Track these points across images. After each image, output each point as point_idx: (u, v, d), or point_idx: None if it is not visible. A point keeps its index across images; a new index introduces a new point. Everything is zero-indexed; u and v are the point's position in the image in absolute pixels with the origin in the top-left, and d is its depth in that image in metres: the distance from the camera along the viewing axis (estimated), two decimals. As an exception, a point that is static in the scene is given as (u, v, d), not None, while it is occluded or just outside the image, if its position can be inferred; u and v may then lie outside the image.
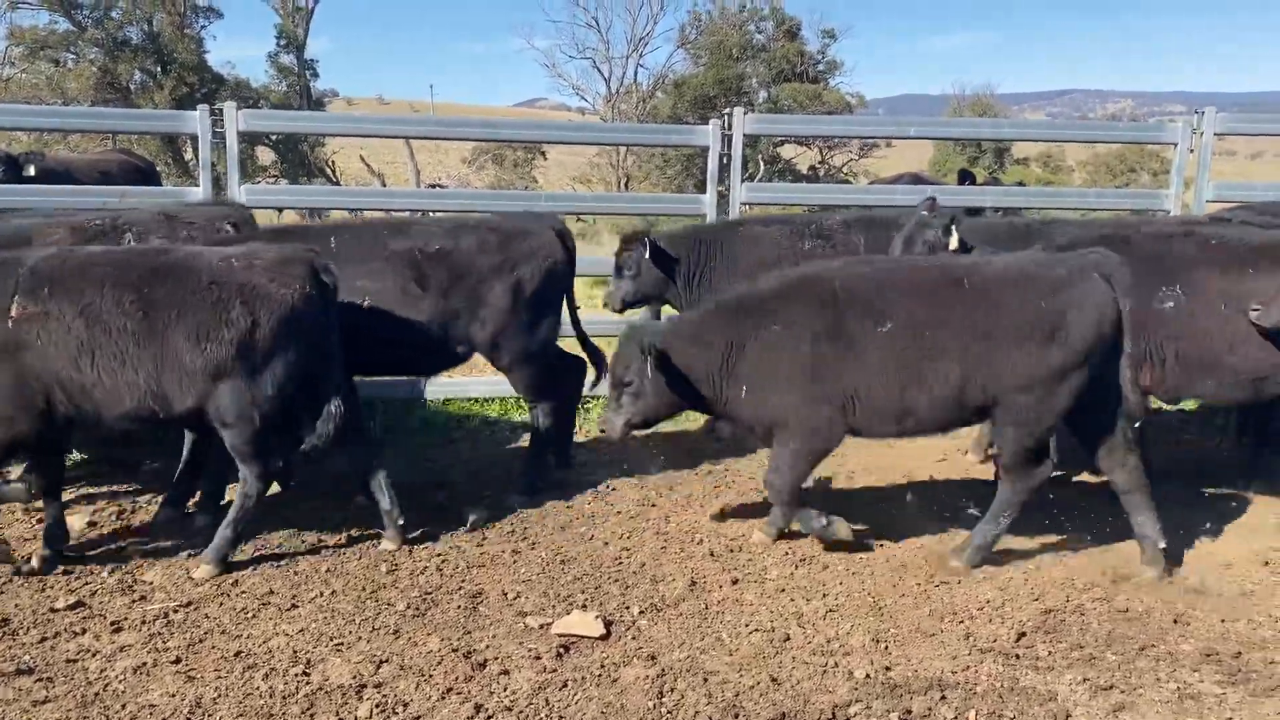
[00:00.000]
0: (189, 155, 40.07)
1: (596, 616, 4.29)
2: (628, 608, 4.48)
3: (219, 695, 3.79)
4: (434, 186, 43.09)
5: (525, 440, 6.57)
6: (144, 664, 4.00)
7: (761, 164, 42.48)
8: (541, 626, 4.29)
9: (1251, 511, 5.68)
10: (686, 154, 40.49)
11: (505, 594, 4.61)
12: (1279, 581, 4.79)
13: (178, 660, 4.03)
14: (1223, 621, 4.39)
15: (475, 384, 7.45)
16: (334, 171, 43.80)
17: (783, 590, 4.66)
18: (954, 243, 6.20)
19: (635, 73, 47.36)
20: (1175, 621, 4.39)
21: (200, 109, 6.91)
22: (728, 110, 7.35)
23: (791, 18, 45.62)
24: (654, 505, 5.72)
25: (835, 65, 46.75)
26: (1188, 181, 7.81)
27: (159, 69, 42.47)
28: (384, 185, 38.80)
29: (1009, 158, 46.45)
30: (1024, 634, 4.26)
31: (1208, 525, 5.45)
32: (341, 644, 4.17)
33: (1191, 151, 7.40)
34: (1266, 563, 4.99)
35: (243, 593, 4.65)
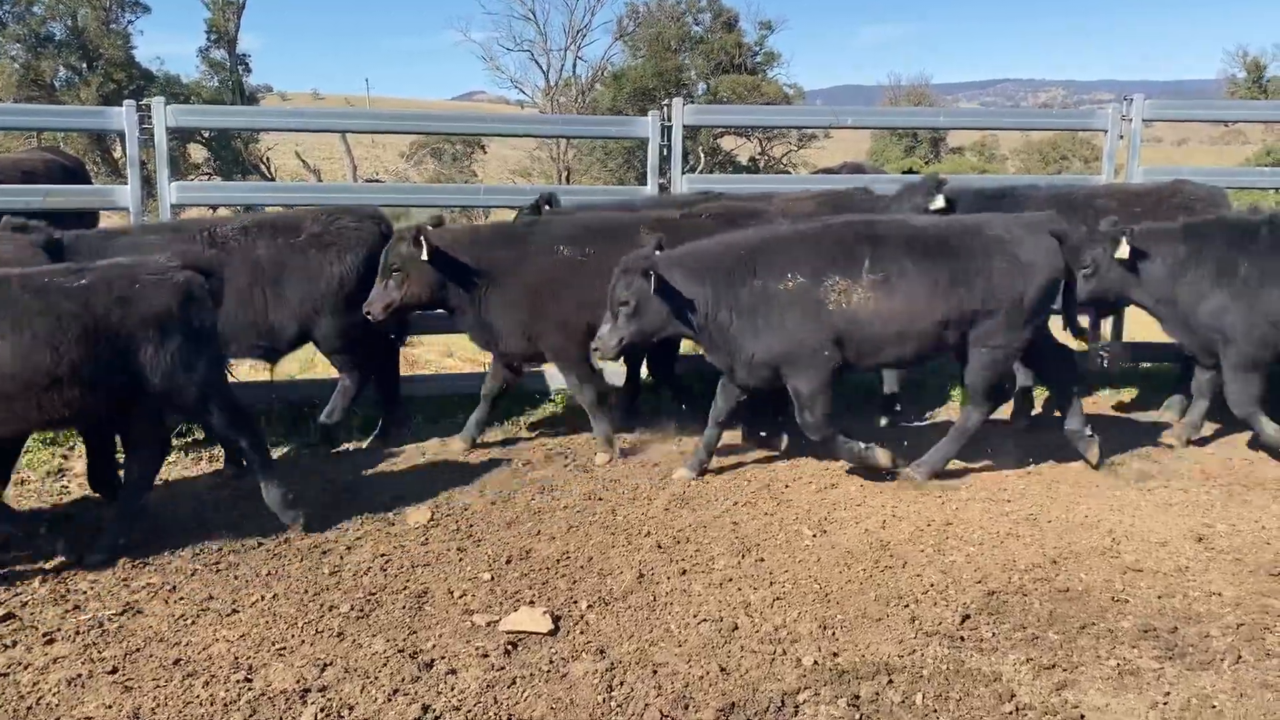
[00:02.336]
0: (119, 153, 39.22)
1: (544, 612, 4.25)
2: (575, 602, 4.44)
3: (158, 705, 3.69)
4: (371, 182, 42.60)
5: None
6: (79, 675, 3.88)
7: (703, 156, 42.65)
8: (489, 624, 4.24)
9: (1186, 488, 5.82)
10: (628, 146, 40.48)
11: (451, 592, 4.55)
12: (1212, 557, 4.90)
13: (114, 670, 3.92)
14: (1159, 598, 4.48)
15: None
16: (269, 168, 43.08)
17: (730, 580, 4.66)
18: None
19: (574, 65, 47.17)
20: (1114, 600, 4.47)
21: (127, 104, 6.73)
22: (666, 101, 7.34)
23: (728, 9, 45.79)
24: (600, 499, 5.69)
25: (773, 57, 47.13)
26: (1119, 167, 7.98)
27: (84, 65, 41.39)
28: (320, 181, 38.29)
29: (944, 147, 47.08)
30: (968, 616, 4.31)
31: (1143, 505, 5.57)
32: (284, 648, 4.09)
33: (1121, 138, 7.55)
34: (1200, 539, 5.11)
35: (181, 599, 4.53)
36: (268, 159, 42.31)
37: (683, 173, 7.24)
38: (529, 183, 36.44)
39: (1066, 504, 5.58)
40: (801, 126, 35.07)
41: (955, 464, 6.21)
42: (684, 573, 4.74)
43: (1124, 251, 5.96)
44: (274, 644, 4.12)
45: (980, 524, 5.31)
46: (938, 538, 5.13)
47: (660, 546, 5.03)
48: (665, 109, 7.20)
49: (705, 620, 4.27)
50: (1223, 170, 8.79)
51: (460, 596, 4.52)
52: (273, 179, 41.15)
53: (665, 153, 7.20)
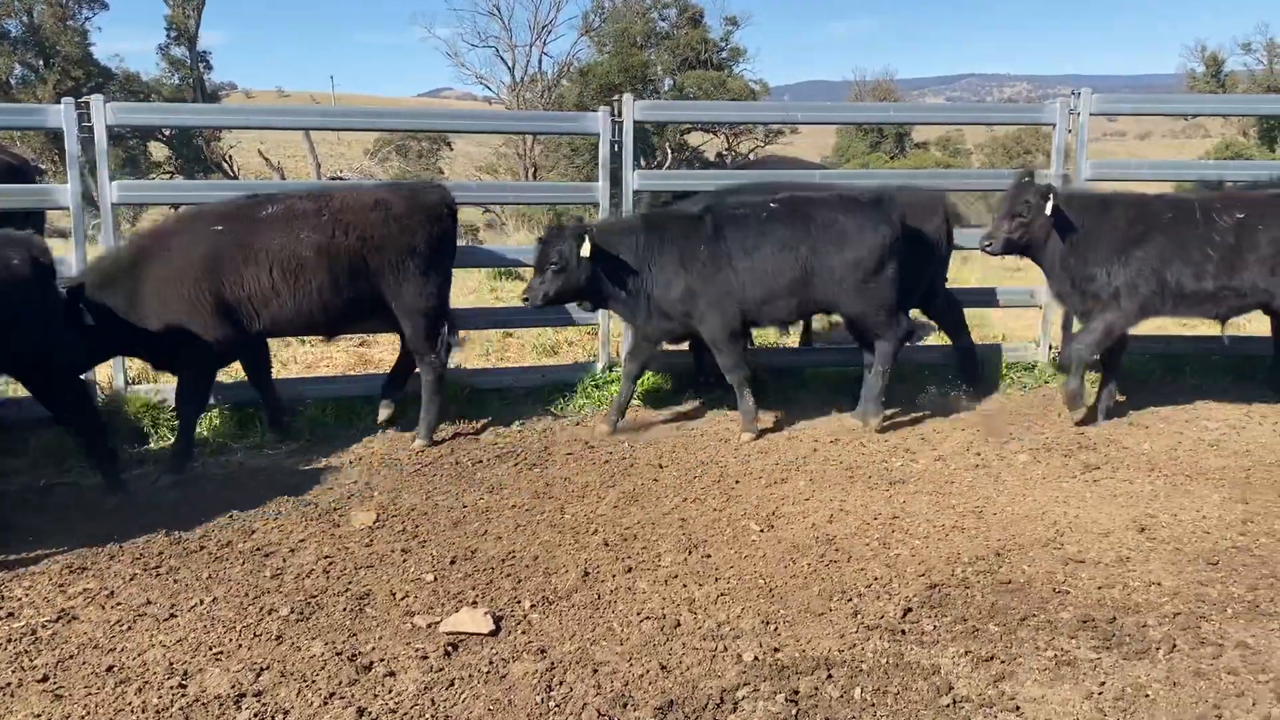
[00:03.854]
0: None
1: (485, 613, 4.22)
2: (519, 602, 4.42)
3: (88, 713, 3.62)
4: (335, 180, 42.27)
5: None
6: (8, 684, 3.80)
7: (669, 152, 42.66)
8: (429, 626, 4.21)
9: (1132, 479, 5.87)
10: (594, 143, 40.44)
11: (394, 594, 4.51)
12: (1153, 547, 4.95)
13: (45, 679, 3.84)
14: (1100, 588, 4.52)
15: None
16: (231, 165, 42.64)
17: (675, 576, 4.65)
18: (1049, 209, 6.60)
19: (539, 61, 47.01)
20: (1055, 591, 4.50)
21: (65, 102, 6.60)
22: (617, 97, 7.31)
23: (694, 5, 45.84)
24: (549, 497, 5.66)
25: (738, 52, 47.17)
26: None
27: (41, 63, 40.75)
28: (283, 179, 37.94)
29: (909, 142, 47.32)
30: (910, 609, 4.33)
31: (1088, 496, 5.62)
32: (221, 653, 4.03)
33: (1070, 132, 7.60)
34: (1143, 529, 5.16)
35: (118, 604, 4.46)
36: (230, 157, 41.88)
37: (634, 168, 7.21)
38: (495, 179, 36.24)
39: (1012, 496, 5.62)
40: (753, 122, 35.04)
41: (904, 459, 6.26)
42: (629, 570, 4.72)
43: (586, 249, 6.35)
44: (211, 649, 4.06)
45: (926, 517, 5.33)
46: (883, 531, 5.15)
47: (607, 544, 5.01)
48: (616, 104, 7.17)
49: (648, 618, 4.25)
50: (1171, 162, 8.90)
51: (402, 598, 4.48)
52: (235, 177, 40.79)
53: (617, 148, 7.17)
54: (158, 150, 41.73)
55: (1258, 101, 16.38)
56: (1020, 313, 9.47)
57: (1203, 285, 6.47)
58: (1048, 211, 6.54)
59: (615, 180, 7.35)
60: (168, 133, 39.13)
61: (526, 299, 6.55)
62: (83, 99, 6.70)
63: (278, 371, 8.13)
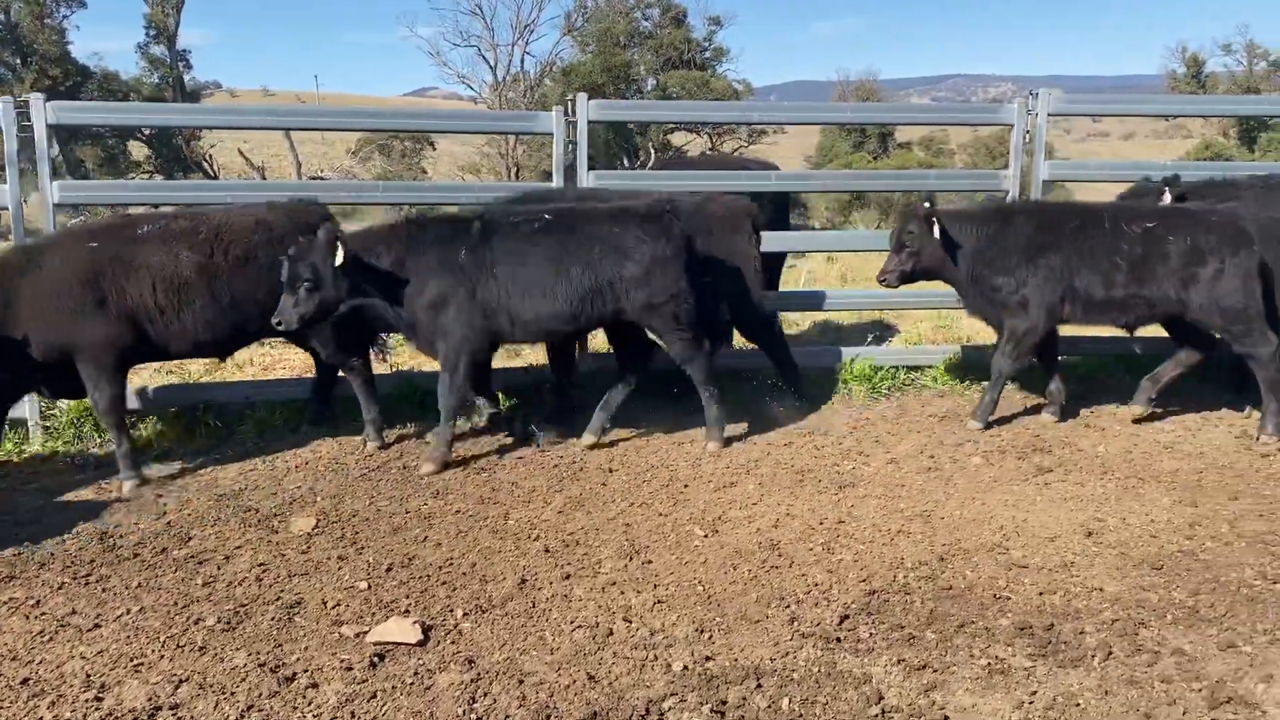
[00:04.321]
0: (54, 150, 38.37)
1: (414, 622, 4.14)
2: (452, 611, 4.34)
3: (-3, 728, 3.54)
4: (315, 179, 41.99)
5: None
6: (-82, 699, 3.71)
7: (653, 151, 42.63)
8: (357, 635, 4.12)
9: (1083, 482, 5.83)
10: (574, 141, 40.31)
11: (325, 603, 4.43)
12: (1099, 552, 4.91)
13: (-43, 693, 3.76)
14: (1041, 594, 4.47)
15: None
16: (212, 165, 42.37)
17: (614, 584, 4.58)
18: (936, 233, 6.62)
19: (522, 61, 46.88)
20: (996, 597, 4.45)
21: (3, 101, 6.49)
22: (570, 96, 7.24)
23: (677, 5, 45.81)
24: (495, 502, 5.59)
25: (722, 52, 47.15)
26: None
27: (18, 61, 40.43)
28: (263, 178, 37.75)
29: (892, 142, 47.39)
30: (847, 616, 4.27)
31: (1038, 500, 5.57)
32: (142, 664, 3.94)
33: (1028, 133, 7.56)
34: (1090, 533, 5.11)
35: (43, 614, 4.37)
36: (210, 156, 41.62)
37: (589, 169, 7.14)
38: (478, 179, 36.04)
39: (962, 500, 5.57)
40: (708, 122, 34.88)
41: (856, 462, 6.21)
42: (567, 577, 4.65)
43: (340, 258, 5.81)
44: (132, 660, 3.97)
45: (873, 521, 5.28)
46: (828, 536, 5.09)
47: (548, 550, 4.94)
48: (569, 103, 7.10)
49: (581, 627, 4.18)
50: (1130, 163, 8.95)
51: (333, 607, 4.40)
52: (215, 177, 40.53)
53: (572, 148, 7.10)
54: (137, 150, 41.46)
55: (1216, 102, 16.42)
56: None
57: (1111, 294, 6.46)
58: (936, 236, 6.54)
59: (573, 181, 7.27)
60: (147, 132, 38.84)
61: (279, 322, 5.83)
62: (22, 98, 6.58)
63: (234, 374, 8.07)
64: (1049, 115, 7.52)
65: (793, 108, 10.38)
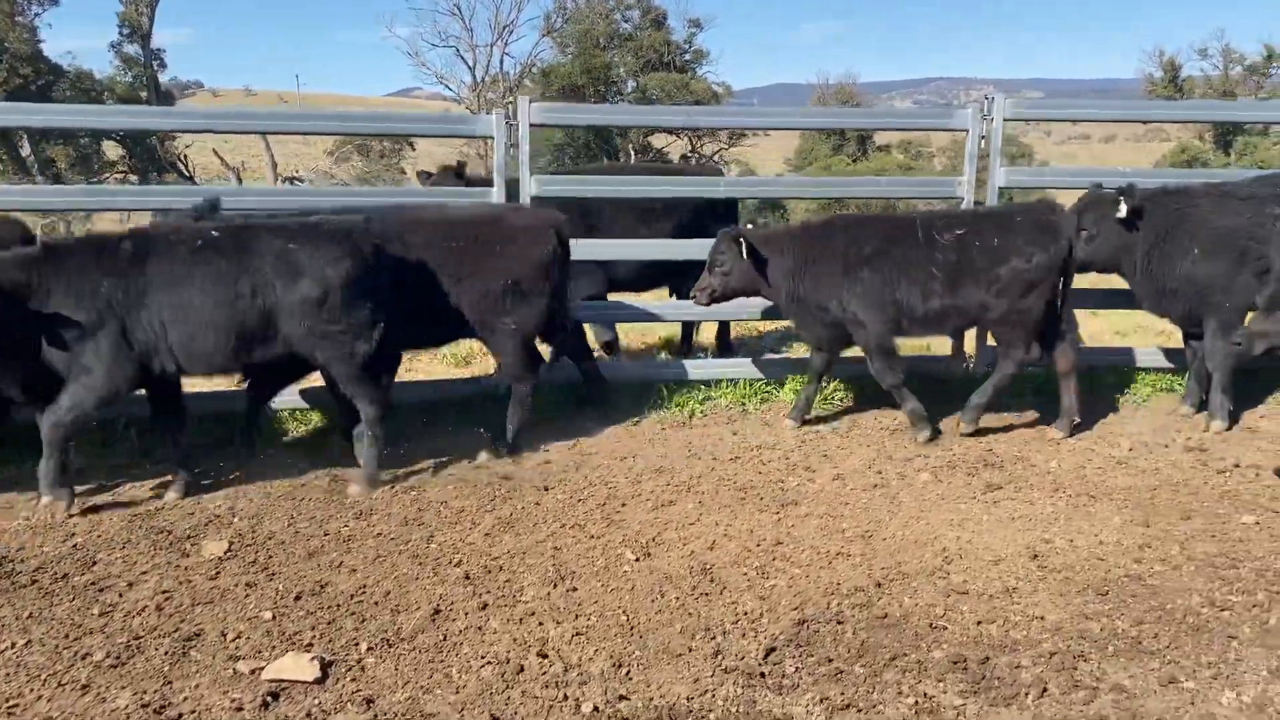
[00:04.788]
0: (25, 150, 37.83)
1: (313, 658, 3.90)
2: (357, 644, 4.10)
3: None
4: (291, 180, 41.62)
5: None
6: None
7: (632, 153, 42.48)
8: (253, 672, 3.88)
9: (1033, 500, 5.64)
10: (557, 143, 40.06)
11: (225, 634, 4.18)
12: (1043, 576, 4.71)
13: None
14: (979, 624, 4.26)
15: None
16: (187, 165, 41.96)
17: (533, 614, 4.35)
18: (744, 253, 6.57)
19: (501, 61, 46.62)
20: (932, 626, 4.24)
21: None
22: (510, 99, 7.02)
23: (657, 7, 45.67)
24: (420, 524, 5.34)
25: (702, 54, 47.04)
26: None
27: (-11, 59, 39.88)
28: (239, 179, 37.37)
29: (871, 145, 47.39)
30: (774, 649, 4.05)
31: (984, 519, 5.38)
32: (17, 706, 3.69)
33: (983, 138, 7.38)
34: (1035, 556, 4.92)
35: (-80, 649, 4.11)
36: (185, 156, 41.18)
37: (531, 173, 6.91)
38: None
39: (906, 519, 5.37)
40: (653, 126, 34.47)
41: (801, 478, 6.01)
42: (485, 607, 4.42)
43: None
44: (8, 701, 3.72)
45: (812, 543, 5.07)
46: (764, 559, 4.88)
47: (468, 577, 4.70)
48: (510, 106, 6.87)
49: (491, 662, 3.95)
50: (1090, 170, 8.83)
51: (233, 639, 4.15)
52: (190, 177, 40.11)
53: (512, 151, 6.87)
54: (111, 150, 41.00)
55: (1173, 107, 16.33)
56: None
57: (930, 304, 6.44)
58: (745, 257, 6.55)
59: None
60: (119, 134, 38.36)
61: None
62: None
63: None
64: (1005, 120, 7.33)
65: (740, 112, 10.28)
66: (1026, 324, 6.47)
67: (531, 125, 6.83)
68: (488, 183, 7.36)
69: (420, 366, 8.58)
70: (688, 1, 67.79)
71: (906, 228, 6.54)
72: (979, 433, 6.75)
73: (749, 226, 6.91)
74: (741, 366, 7.73)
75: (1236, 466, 6.13)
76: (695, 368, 7.71)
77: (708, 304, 6.81)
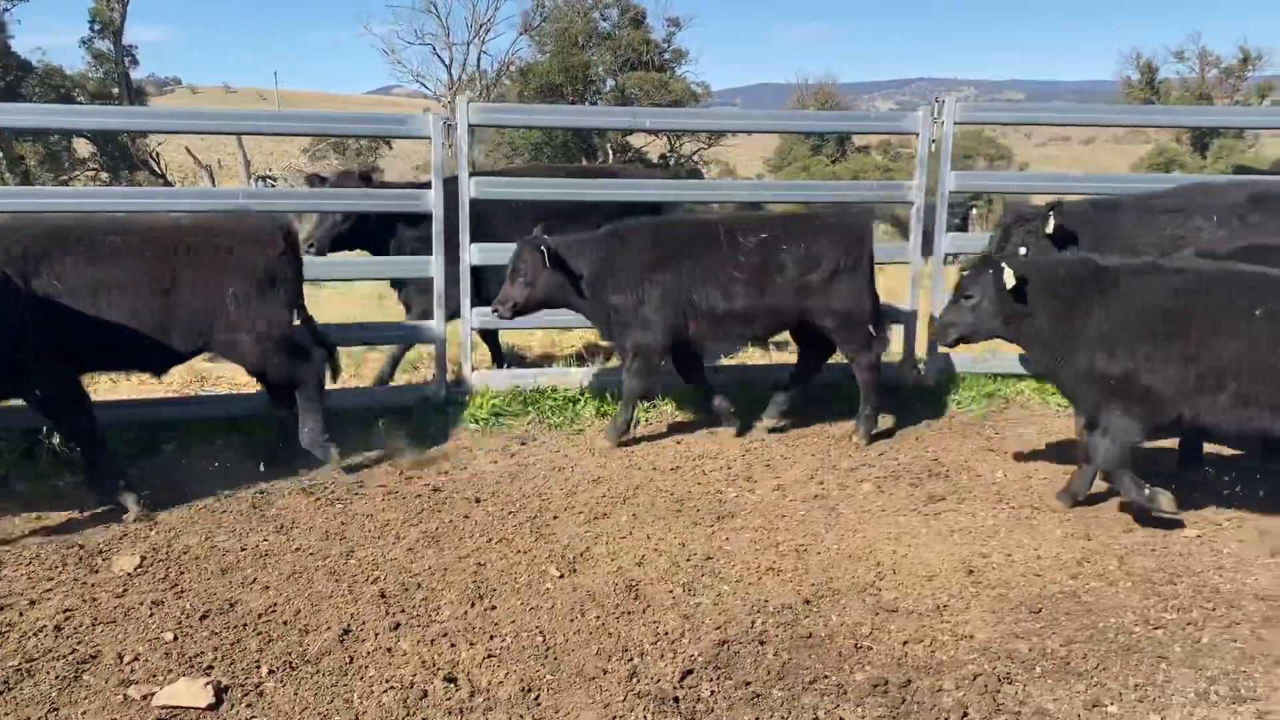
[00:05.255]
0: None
1: (207, 683, 3.74)
2: (258, 667, 3.94)
3: None
4: (264, 179, 41.22)
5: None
6: None
7: (611, 153, 42.36)
8: (144, 698, 3.71)
9: (975, 512, 5.53)
10: (535, 142, 39.86)
11: (121, 657, 4.01)
12: (977, 593, 4.59)
13: None
14: (905, 644, 4.14)
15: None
16: (158, 163, 41.52)
17: (446, 634, 4.20)
18: (547, 261, 6.32)
19: (478, 60, 46.40)
20: (857, 647, 4.12)
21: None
22: (451, 99, 6.86)
23: (636, 6, 45.54)
24: (342, 538, 5.17)
25: (681, 54, 46.96)
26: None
27: (-48, 55, 39.40)
28: (212, 178, 37.01)
29: (850, 146, 47.42)
30: (691, 671, 3.91)
31: (923, 532, 5.26)
32: (-109, 736, 3.52)
33: (934, 141, 7.27)
34: (971, 571, 4.80)
35: None
36: (157, 154, 40.75)
37: (470, 175, 6.75)
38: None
39: (843, 532, 5.25)
40: (596, 128, 34.33)
41: (741, 489, 5.88)
42: (397, 627, 4.26)
43: None
44: (-119, 731, 3.55)
45: (744, 557, 4.94)
46: (692, 575, 4.74)
47: (384, 595, 4.54)
48: (449, 107, 6.71)
49: (395, 687, 3.79)
50: (1042, 175, 8.74)
51: (129, 662, 3.98)
52: (162, 174, 39.69)
53: (451, 150, 6.72)
54: (82, 147, 40.53)
55: (1129, 112, 16.34)
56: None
57: (733, 306, 6.35)
58: (547, 265, 6.29)
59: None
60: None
61: None
62: None
63: (109, 392, 7.60)
64: (955, 124, 7.22)
65: (686, 114, 10.40)
66: (853, 326, 6.44)
67: (470, 126, 6.67)
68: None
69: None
70: (667, 0, 67.24)
71: (709, 232, 6.44)
72: (923, 440, 6.65)
73: (540, 235, 6.43)
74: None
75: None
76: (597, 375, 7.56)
77: (510, 317, 6.49)
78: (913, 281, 7.58)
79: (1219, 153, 39.87)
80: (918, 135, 7.29)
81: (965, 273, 5.42)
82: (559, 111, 18.22)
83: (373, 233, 7.55)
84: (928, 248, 7.54)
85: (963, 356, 7.88)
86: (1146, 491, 5.08)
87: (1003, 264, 5.20)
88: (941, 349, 7.29)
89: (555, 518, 5.45)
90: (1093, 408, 5.19)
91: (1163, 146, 43.81)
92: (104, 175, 39.36)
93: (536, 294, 6.41)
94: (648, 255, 6.39)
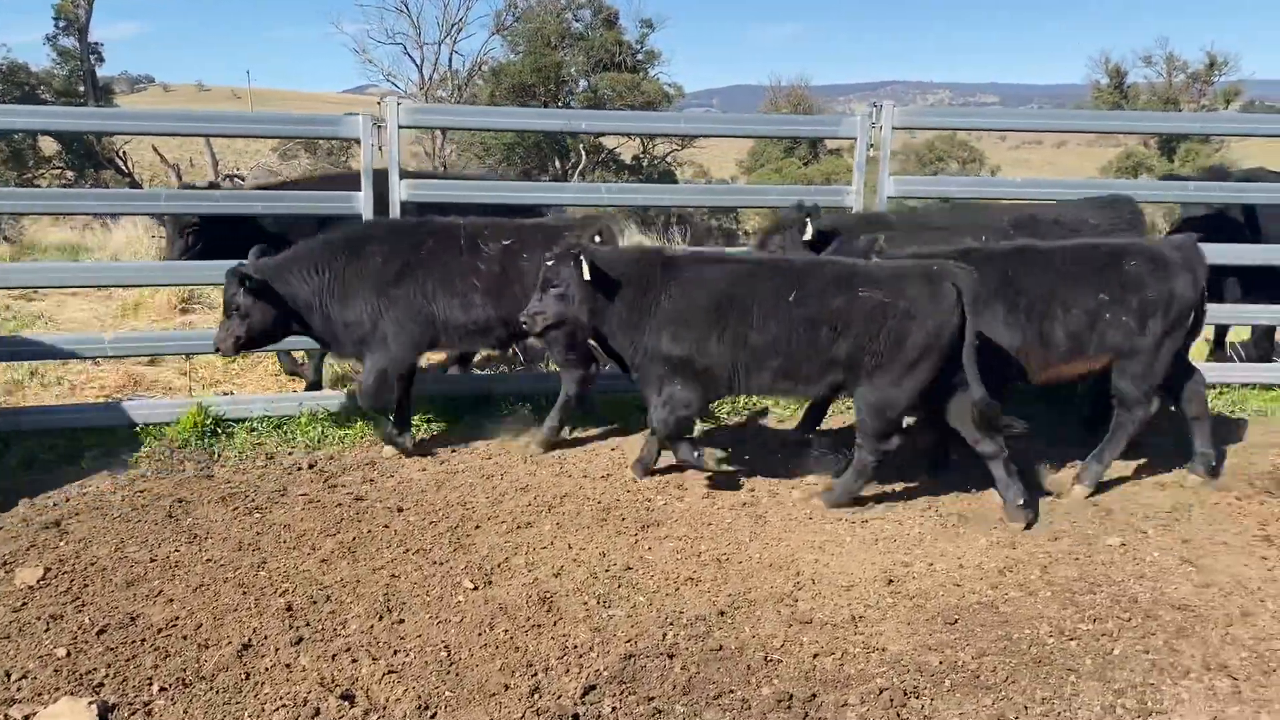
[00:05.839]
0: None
1: (91, 703, 3.63)
2: (150, 684, 3.83)
3: None
4: (231, 178, 40.89)
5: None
6: None
7: (584, 154, 42.22)
8: (25, 718, 3.61)
9: (902, 519, 5.47)
10: (506, 143, 39.65)
11: (9, 674, 3.89)
12: (894, 603, 4.54)
13: None
14: (815, 656, 4.08)
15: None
16: (126, 163, 41.06)
17: (349, 649, 4.10)
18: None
19: (450, 59, 46.16)
20: (767, 660, 4.05)
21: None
22: (379, 100, 6.75)
23: (609, 6, 45.44)
24: (256, 549, 5.06)
25: (654, 55, 46.86)
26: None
27: (-89, 51, 38.93)
28: (179, 177, 36.56)
29: (823, 148, 47.48)
30: (594, 687, 3.84)
31: (848, 540, 5.21)
32: None
33: (872, 145, 7.23)
34: (891, 581, 4.75)
35: None
36: (124, 153, 40.27)
37: (400, 178, 6.64)
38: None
39: (767, 541, 5.19)
40: (528, 129, 33.97)
41: (670, 496, 5.80)
42: (299, 641, 4.16)
43: None
44: None
45: (664, 567, 4.86)
46: (609, 586, 4.67)
47: (290, 609, 4.44)
48: (380, 107, 6.61)
49: (287, 705, 3.70)
50: (984, 180, 8.79)
51: (16, 680, 3.86)
52: (129, 174, 39.23)
53: (378, 150, 6.61)
54: (48, 145, 39.99)
55: (1073, 118, 16.35)
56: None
57: (473, 316, 6.19)
58: (249, 298, 5.88)
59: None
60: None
61: None
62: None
63: (35, 398, 7.46)
64: (894, 129, 7.18)
65: (622, 117, 10.29)
66: (565, 341, 6.32)
67: (400, 127, 6.57)
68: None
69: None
70: (640, 1, 66.90)
71: (451, 237, 6.21)
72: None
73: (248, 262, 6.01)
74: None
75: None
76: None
77: (235, 352, 6.11)
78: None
79: (1186, 156, 40.22)
80: (855, 140, 7.23)
81: (549, 264, 5.51)
82: (488, 113, 17.90)
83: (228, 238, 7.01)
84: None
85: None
86: (695, 453, 5.67)
87: (580, 254, 5.44)
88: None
89: (477, 527, 5.36)
90: (657, 384, 5.55)
91: (1131, 150, 44.11)
92: (69, 174, 38.91)
93: (253, 326, 5.99)
94: (387, 264, 6.11)
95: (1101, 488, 5.92)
